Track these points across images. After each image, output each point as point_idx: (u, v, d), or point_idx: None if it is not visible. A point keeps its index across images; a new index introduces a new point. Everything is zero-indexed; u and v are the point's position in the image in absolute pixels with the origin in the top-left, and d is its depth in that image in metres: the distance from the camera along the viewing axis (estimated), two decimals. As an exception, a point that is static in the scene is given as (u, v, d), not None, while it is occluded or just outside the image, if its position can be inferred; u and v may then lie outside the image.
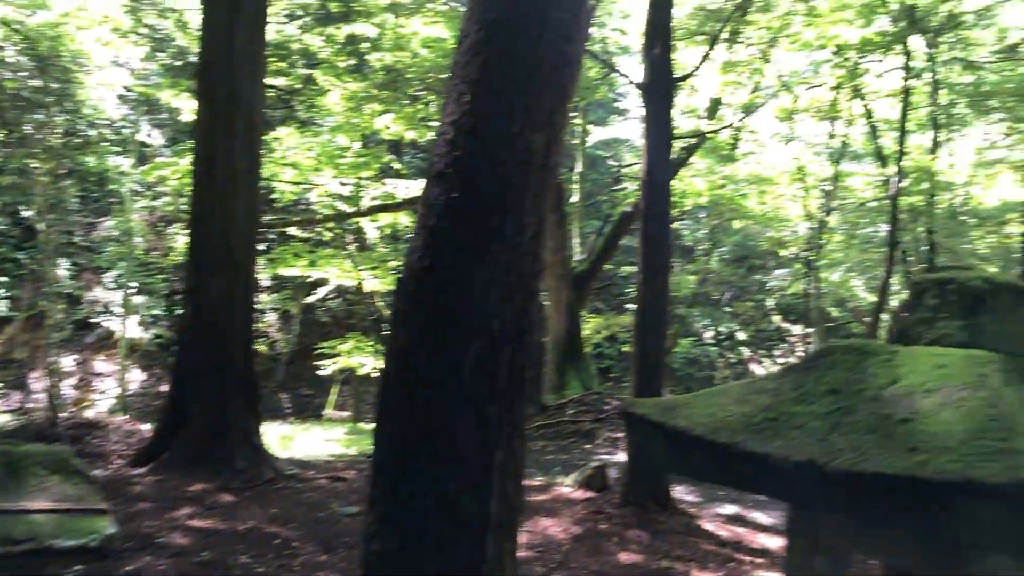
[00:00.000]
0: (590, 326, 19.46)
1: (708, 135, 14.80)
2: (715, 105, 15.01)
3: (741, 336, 26.20)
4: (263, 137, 8.97)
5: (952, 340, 1.67)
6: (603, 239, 15.04)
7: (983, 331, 1.64)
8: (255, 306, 8.24)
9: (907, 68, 13.03)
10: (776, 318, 26.23)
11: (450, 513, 3.27)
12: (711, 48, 8.59)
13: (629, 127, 24.63)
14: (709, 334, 25.76)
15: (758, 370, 24.53)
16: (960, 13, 14.26)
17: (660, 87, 6.90)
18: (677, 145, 16.53)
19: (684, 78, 8.07)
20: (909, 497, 1.31)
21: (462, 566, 3.26)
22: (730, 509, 8.24)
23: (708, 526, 6.72)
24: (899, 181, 12.87)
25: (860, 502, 1.37)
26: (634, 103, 23.83)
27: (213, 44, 7.28)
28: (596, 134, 23.23)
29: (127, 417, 9.35)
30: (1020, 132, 17.40)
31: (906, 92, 13.06)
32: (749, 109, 16.81)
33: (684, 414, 1.71)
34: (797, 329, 26.30)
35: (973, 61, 15.67)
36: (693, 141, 14.29)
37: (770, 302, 25.76)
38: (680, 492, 8.92)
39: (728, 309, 25.65)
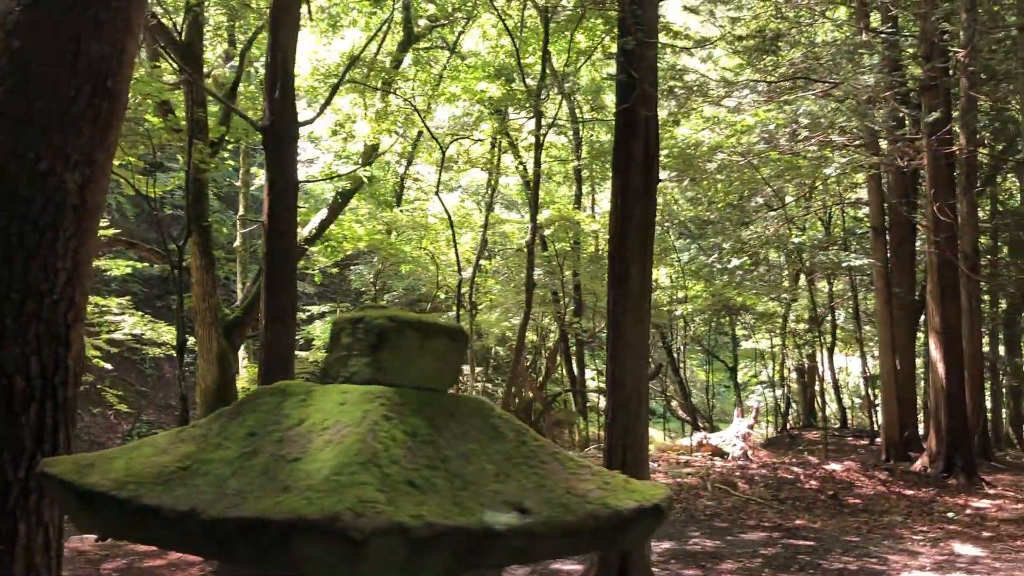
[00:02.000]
0: (250, 374, 18.77)
1: (366, 180, 15.03)
2: (371, 151, 15.29)
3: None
4: None
5: (360, 377, 1.71)
6: (257, 284, 14.63)
7: (384, 367, 1.69)
8: None
9: (539, 124, 14.12)
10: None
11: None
12: (331, 96, 8.68)
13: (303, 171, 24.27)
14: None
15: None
16: (601, 80, 15.87)
17: (281, 131, 6.85)
18: (330, 189, 16.68)
19: (307, 123, 8.09)
20: (268, 539, 1.29)
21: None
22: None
23: None
24: (534, 228, 13.86)
25: (235, 549, 1.33)
26: (303, 146, 23.70)
27: None
28: (262, 177, 22.72)
29: None
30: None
31: (538, 146, 14.14)
32: (405, 157, 17.38)
33: (101, 469, 1.58)
34: (466, 368, 27.33)
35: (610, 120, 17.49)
36: (347, 185, 14.46)
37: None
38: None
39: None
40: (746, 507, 11.18)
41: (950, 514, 11.11)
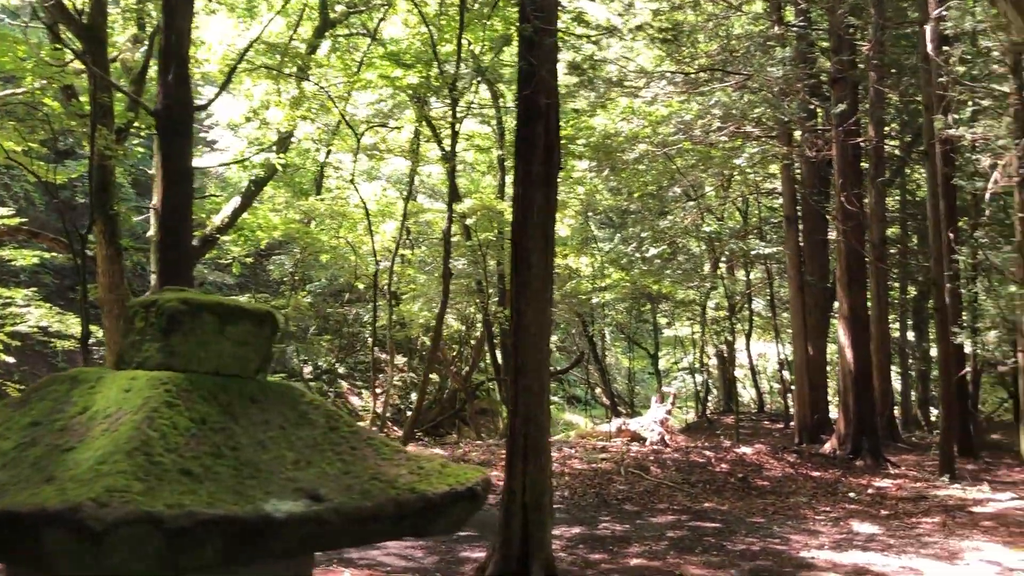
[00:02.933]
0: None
1: (280, 167, 14.73)
2: (285, 138, 15.00)
3: (340, 370, 26.38)
4: None
5: (151, 363, 1.64)
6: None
7: (177, 352, 1.62)
8: None
9: (455, 111, 14.04)
10: (379, 352, 26.89)
11: None
12: (228, 79, 8.48)
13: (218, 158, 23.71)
14: (308, 369, 25.62)
15: (357, 402, 24.83)
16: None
17: (175, 116, 6.65)
18: (245, 177, 16.34)
19: (202, 108, 7.89)
20: (18, 534, 1.21)
21: None
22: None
23: None
24: (450, 217, 13.82)
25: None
26: (220, 134, 23.13)
27: None
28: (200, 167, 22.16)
29: None
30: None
31: (454, 133, 14.09)
32: (322, 142, 17.13)
33: None
34: (398, 360, 27.19)
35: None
36: (261, 173, 14.17)
37: (366, 334, 26.30)
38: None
39: (324, 344, 25.69)
40: (657, 491, 11.34)
41: (852, 494, 11.46)
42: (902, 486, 12.00)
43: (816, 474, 12.74)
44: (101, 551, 1.17)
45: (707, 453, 13.42)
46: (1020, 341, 14.83)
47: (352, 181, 15.47)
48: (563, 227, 21.06)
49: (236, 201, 14.67)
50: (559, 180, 16.95)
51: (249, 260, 17.87)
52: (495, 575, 6.26)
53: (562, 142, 16.42)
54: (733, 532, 9.14)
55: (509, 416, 6.53)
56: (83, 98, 12.33)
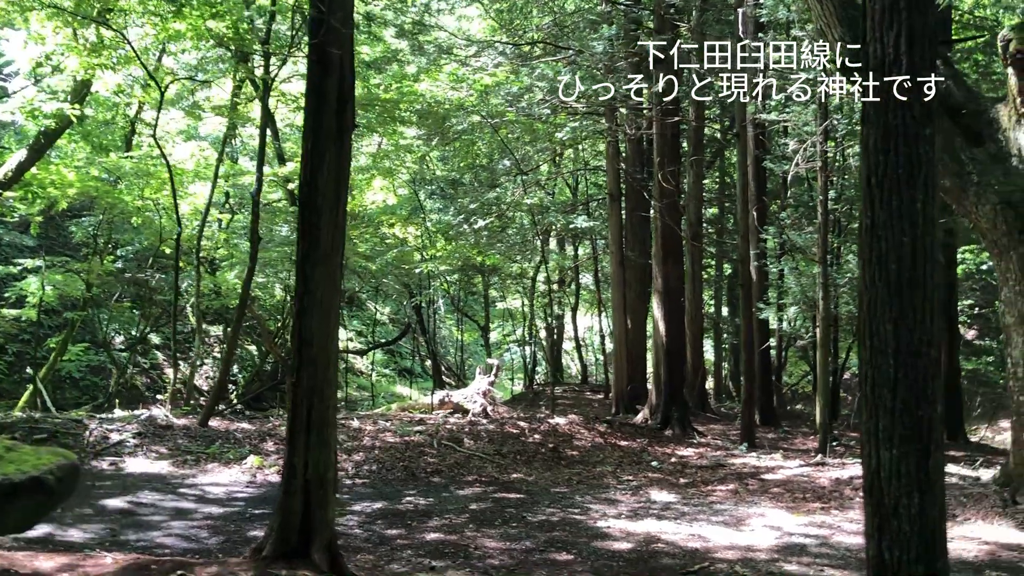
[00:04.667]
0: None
1: (74, 118, 13.54)
2: (82, 88, 13.79)
3: (155, 340, 24.91)
4: None
5: None
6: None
7: None
8: None
9: (267, 67, 13.33)
10: (192, 319, 25.56)
11: None
12: None
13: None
14: (119, 339, 24.03)
15: (173, 375, 23.52)
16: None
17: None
18: (31, 129, 14.96)
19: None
20: None
21: None
22: (41, 530, 7.43)
23: (-26, 558, 5.84)
24: (259, 178, 13.17)
25: None
26: (23, 83, 21.17)
27: None
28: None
29: None
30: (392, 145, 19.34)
31: (266, 89, 13.40)
32: (129, 95, 15.91)
33: None
34: (215, 330, 25.95)
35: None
36: (52, 124, 12.97)
37: (186, 303, 24.93)
38: None
39: (137, 312, 24.14)
40: (468, 463, 11.26)
41: (655, 463, 11.80)
42: (703, 455, 12.47)
43: (624, 444, 13.05)
44: None
45: (522, 424, 13.48)
46: (818, 317, 15.76)
47: (154, 136, 14.40)
48: (392, 196, 20.64)
49: (22, 154, 13.37)
50: (382, 147, 16.35)
51: (39, 219, 16.37)
52: (272, 556, 5.90)
53: (387, 106, 15.99)
54: (536, 503, 9.16)
55: (291, 388, 6.16)
56: None
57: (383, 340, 29.19)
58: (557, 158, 22.93)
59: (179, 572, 5.73)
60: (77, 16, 12.81)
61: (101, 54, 13.60)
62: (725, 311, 27.02)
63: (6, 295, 19.31)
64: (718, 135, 22.42)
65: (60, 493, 1.48)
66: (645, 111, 16.79)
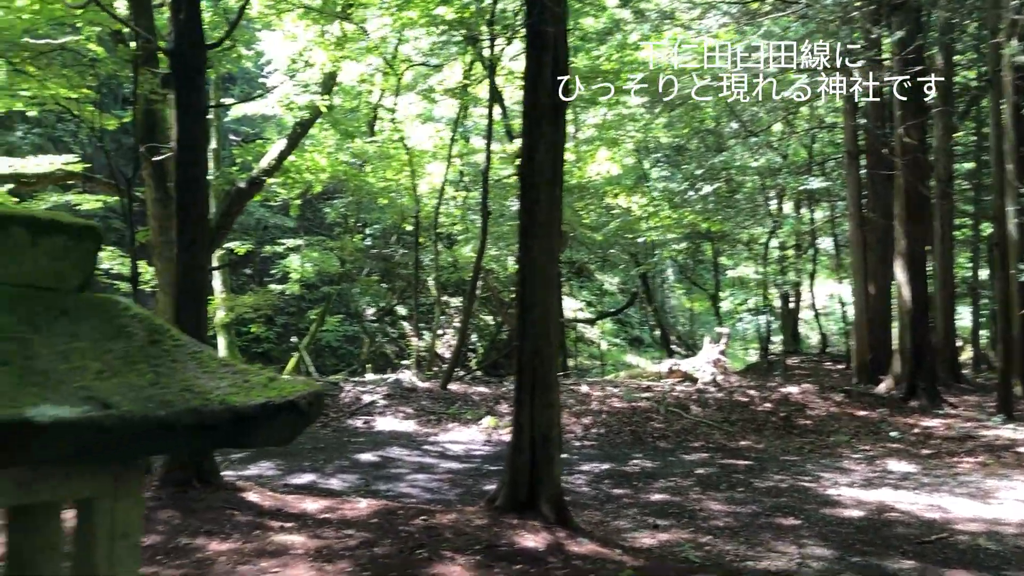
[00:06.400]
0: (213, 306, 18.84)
1: (325, 108, 14.79)
2: (329, 79, 15.03)
3: (401, 311, 26.73)
4: None
5: None
6: (215, 218, 14.56)
7: None
8: None
9: (493, 46, 13.83)
10: (434, 291, 27.17)
11: None
12: (239, 17, 8.46)
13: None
14: (370, 311, 26.06)
15: (417, 343, 25.15)
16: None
17: (188, 54, 6.70)
18: (288, 121, 16.47)
19: (214, 45, 7.91)
20: None
21: None
22: (306, 478, 8.37)
23: (254, 497, 6.72)
24: (488, 155, 13.74)
25: None
26: (280, 79, 23.33)
27: None
28: (240, 109, 22.42)
29: None
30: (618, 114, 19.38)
31: (492, 68, 13.92)
32: (371, 83, 17.12)
33: None
34: (455, 301, 27.43)
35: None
36: (306, 115, 14.28)
37: (427, 276, 26.54)
38: (264, 467, 8.91)
39: (384, 286, 26.02)
40: (695, 429, 11.27)
41: (894, 433, 11.19)
42: (951, 426, 11.66)
43: (862, 414, 12.46)
44: None
45: (752, 393, 13.24)
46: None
47: (394, 121, 15.41)
48: (616, 166, 20.74)
49: (282, 143, 14.82)
50: (611, 118, 16.47)
51: (299, 202, 18.07)
52: (503, 507, 6.32)
53: (609, 76, 16.09)
54: (764, 470, 9.04)
55: (517, 351, 6.53)
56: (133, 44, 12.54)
57: (611, 310, 29.45)
58: (789, 117, 21.97)
59: (422, 517, 6.29)
60: (323, 14, 13.96)
61: (344, 47, 14.75)
62: (984, 274, 24.80)
63: (273, 272, 21.53)
64: (973, 83, 20.50)
65: (310, 415, 1.81)
66: (885, 62, 15.72)
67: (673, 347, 25.80)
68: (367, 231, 23.78)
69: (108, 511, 1.66)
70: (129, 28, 9.51)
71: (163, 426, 1.52)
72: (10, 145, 21.09)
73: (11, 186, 14.75)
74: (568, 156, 20.13)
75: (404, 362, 21.98)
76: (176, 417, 1.53)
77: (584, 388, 13.35)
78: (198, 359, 1.74)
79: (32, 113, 15.63)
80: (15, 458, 1.37)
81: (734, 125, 19.32)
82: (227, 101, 17.69)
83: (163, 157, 9.03)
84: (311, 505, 6.65)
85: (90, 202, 16.55)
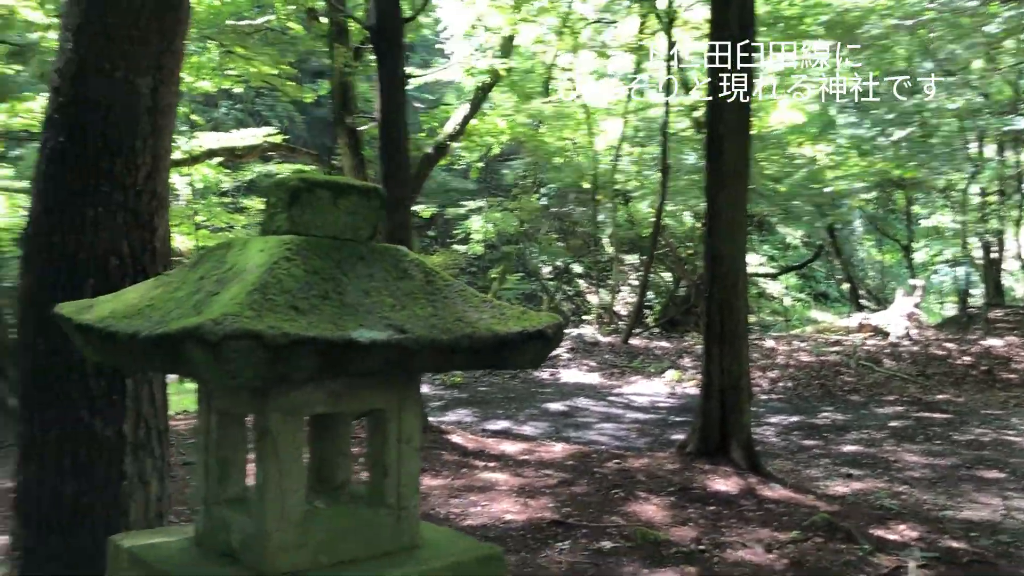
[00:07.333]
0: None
1: (504, 72, 15.18)
2: (507, 43, 15.37)
3: (577, 269, 27.09)
4: None
5: (280, 230, 2.04)
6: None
7: (297, 221, 2.01)
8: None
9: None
10: (610, 249, 27.32)
11: (85, 439, 3.50)
12: None
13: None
14: (547, 269, 26.58)
15: (594, 300, 25.46)
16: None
17: (387, 27, 7.16)
18: (472, 85, 16.97)
19: (411, 19, 8.34)
20: (167, 349, 1.67)
21: (100, 485, 3.51)
22: (500, 425, 8.87)
23: (457, 440, 7.25)
24: (666, 110, 13.65)
25: (155, 359, 1.73)
26: (457, 44, 23.99)
27: None
28: (422, 76, 23.26)
29: None
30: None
31: (669, 22, 13.76)
32: (547, 44, 17.34)
33: (95, 309, 2.00)
34: (630, 258, 27.48)
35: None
36: (487, 79, 14.71)
37: (603, 234, 26.72)
38: (461, 414, 9.49)
39: (561, 244, 26.43)
40: (888, 383, 10.95)
41: (1115, 389, 10.43)
42: None
43: (1077, 368, 11.67)
44: (220, 358, 1.57)
45: (949, 346, 12.66)
46: None
47: (570, 80, 15.59)
48: (799, 114, 20.01)
49: (464, 108, 15.35)
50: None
51: (480, 165, 18.64)
52: (694, 453, 6.51)
53: (790, 21, 15.56)
54: (964, 423, 8.73)
55: (704, 302, 6.65)
56: (325, 19, 13.34)
57: (795, 264, 28.58)
58: (991, 52, 20.34)
59: (615, 460, 6.59)
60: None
61: (520, 9, 15.04)
62: None
63: (455, 233, 22.39)
64: None
65: (553, 341, 2.11)
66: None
67: (862, 301, 24.78)
68: (543, 190, 24.19)
69: (396, 420, 2.01)
70: (328, 5, 10.14)
71: (446, 348, 1.84)
72: (216, 121, 22.89)
73: (221, 159, 16.11)
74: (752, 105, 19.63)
75: (583, 319, 22.34)
76: (456, 341, 1.84)
77: (769, 343, 13.21)
78: (464, 296, 2.05)
79: (238, 90, 16.93)
80: (336, 371, 1.73)
81: (928, 65, 18.15)
82: (412, 70, 18.42)
83: (364, 127, 9.63)
84: (510, 447, 7.11)
85: (288, 171, 17.78)
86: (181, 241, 15.71)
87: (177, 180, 16.30)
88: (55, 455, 3.52)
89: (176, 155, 15.02)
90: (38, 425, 3.55)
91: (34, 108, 10.34)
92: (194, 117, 15.74)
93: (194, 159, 14.58)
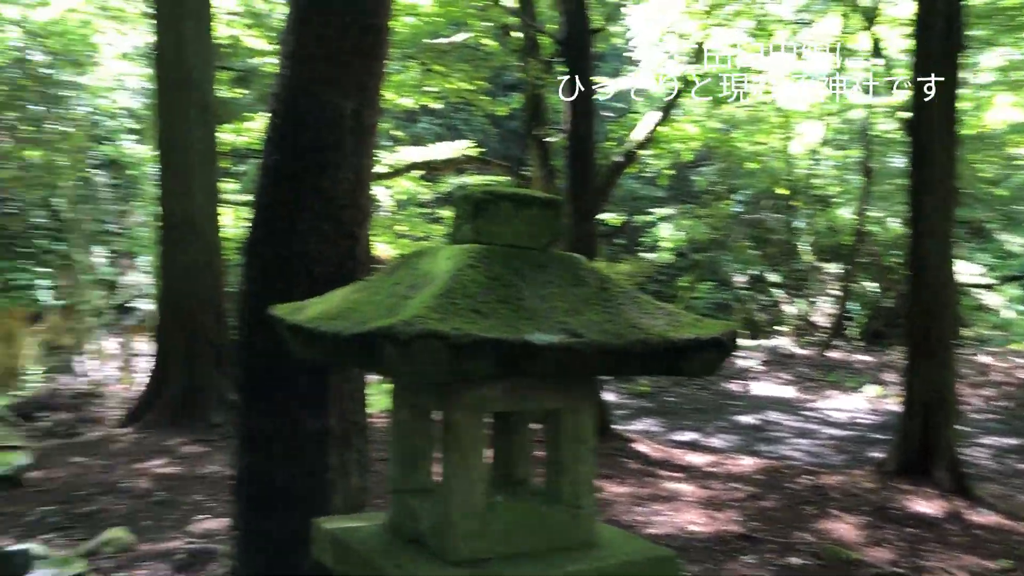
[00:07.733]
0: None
1: (696, 78, 14.95)
2: (700, 49, 15.13)
3: (772, 278, 26.18)
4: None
5: (465, 239, 2.19)
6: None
7: (481, 231, 2.16)
8: (222, 273, 8.80)
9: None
10: (808, 257, 26.20)
11: (294, 431, 3.83)
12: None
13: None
14: (740, 278, 25.87)
15: (790, 310, 24.51)
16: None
17: (575, 40, 7.29)
18: (662, 92, 16.80)
19: (599, 30, 8.41)
20: (365, 347, 1.84)
21: (307, 474, 3.83)
22: (688, 436, 8.75)
23: (643, 448, 7.23)
24: (869, 113, 12.94)
25: (354, 356, 1.92)
26: (645, 53, 23.87)
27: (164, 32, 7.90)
28: (611, 85, 23.32)
29: (126, 386, 10.15)
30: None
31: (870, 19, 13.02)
32: (739, 47, 16.91)
33: (306, 311, 2.24)
34: (830, 267, 26.24)
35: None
36: (679, 86, 14.54)
37: (801, 242, 25.68)
38: (647, 424, 9.46)
39: (756, 252, 25.63)
40: None
41: None
42: None
43: None
44: (409, 356, 1.71)
45: None
46: None
47: (765, 83, 15.14)
48: (1022, 112, 18.40)
49: (654, 115, 15.26)
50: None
51: (671, 172, 18.44)
52: (893, 472, 6.17)
53: (1009, 13, 14.37)
54: None
55: (908, 312, 6.29)
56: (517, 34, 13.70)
57: (1018, 273, 26.22)
58: None
59: (807, 476, 6.36)
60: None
61: (713, 13, 14.77)
62: None
63: (642, 240, 22.25)
64: None
65: (728, 349, 2.10)
66: None
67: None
68: (735, 196, 23.57)
69: (571, 420, 2.08)
70: (520, 20, 10.42)
71: (619, 353, 1.90)
72: (416, 136, 23.98)
73: (421, 172, 16.89)
74: (961, 104, 18.27)
75: (777, 329, 21.58)
76: (629, 346, 1.90)
77: (984, 358, 12.23)
78: (638, 303, 2.10)
79: (437, 105, 17.72)
80: (513, 371, 1.82)
81: None
82: (601, 79, 18.53)
83: (554, 140, 9.83)
84: (696, 459, 7.02)
85: (481, 183, 18.36)
86: (384, 249, 16.63)
87: (380, 192, 17.30)
88: (267, 445, 3.85)
89: (379, 168, 15.94)
90: (254, 417, 3.89)
91: (255, 128, 11.31)
92: (396, 132, 16.63)
93: (396, 172, 15.39)
